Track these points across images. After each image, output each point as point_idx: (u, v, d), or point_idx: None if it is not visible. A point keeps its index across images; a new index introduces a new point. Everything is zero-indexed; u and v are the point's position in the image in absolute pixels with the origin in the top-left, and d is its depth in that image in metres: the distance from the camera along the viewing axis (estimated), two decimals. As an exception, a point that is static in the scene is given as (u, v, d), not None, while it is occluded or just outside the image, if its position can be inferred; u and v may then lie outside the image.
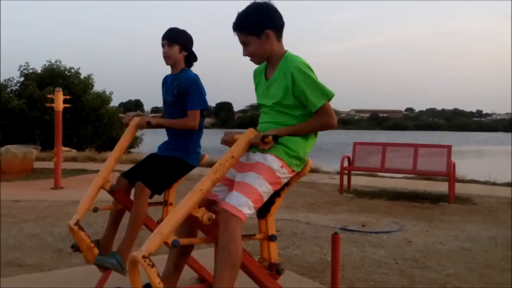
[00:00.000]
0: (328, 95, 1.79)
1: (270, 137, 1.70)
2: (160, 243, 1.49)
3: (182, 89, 2.45)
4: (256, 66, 2.01)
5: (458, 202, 6.01)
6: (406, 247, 3.78)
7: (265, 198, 1.75)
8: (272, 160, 1.76)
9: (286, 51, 1.89)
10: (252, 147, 1.82)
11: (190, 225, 1.82)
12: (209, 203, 1.84)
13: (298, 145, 1.82)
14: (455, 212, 5.40)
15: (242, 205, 1.65)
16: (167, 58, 2.48)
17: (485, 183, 8.08)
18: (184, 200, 1.58)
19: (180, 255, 1.87)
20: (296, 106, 1.83)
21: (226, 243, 1.59)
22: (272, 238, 1.84)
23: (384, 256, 3.49)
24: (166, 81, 2.62)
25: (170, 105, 2.55)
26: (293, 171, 1.83)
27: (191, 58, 2.54)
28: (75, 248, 2.26)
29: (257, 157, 1.79)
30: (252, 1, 1.86)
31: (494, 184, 7.96)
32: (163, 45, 2.48)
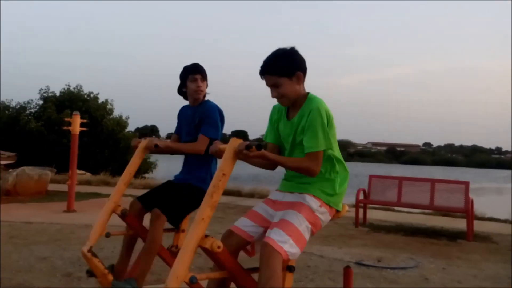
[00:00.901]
0: (323, 146, 1.82)
1: (254, 147, 1.69)
2: (178, 286, 1.49)
3: (204, 115, 2.52)
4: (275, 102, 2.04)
5: (477, 240, 5.79)
6: (423, 284, 3.63)
7: (306, 237, 1.76)
8: (310, 200, 1.82)
9: (308, 92, 1.96)
10: (287, 186, 1.90)
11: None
12: (243, 243, 1.85)
13: (333, 184, 1.88)
14: (474, 250, 5.19)
15: (284, 242, 1.68)
16: (201, 92, 2.58)
17: (505, 221, 7.80)
18: (190, 234, 1.57)
19: None
20: None
21: (268, 278, 1.60)
22: (290, 269, 1.81)
23: (400, 294, 3.35)
24: (186, 113, 2.69)
25: (186, 134, 2.60)
26: (332, 209, 1.87)
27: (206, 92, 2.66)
28: (90, 273, 2.26)
29: (295, 197, 1.85)
30: (277, 48, 1.95)
31: (514, 222, 7.68)
32: (195, 80, 2.55)
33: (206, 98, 2.63)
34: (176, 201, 2.38)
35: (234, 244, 1.82)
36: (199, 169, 2.49)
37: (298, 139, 1.91)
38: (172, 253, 2.49)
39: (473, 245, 5.52)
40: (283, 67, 1.89)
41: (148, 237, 2.31)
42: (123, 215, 2.31)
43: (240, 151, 1.69)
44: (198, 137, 2.47)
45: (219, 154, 1.81)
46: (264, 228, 1.84)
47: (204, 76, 2.57)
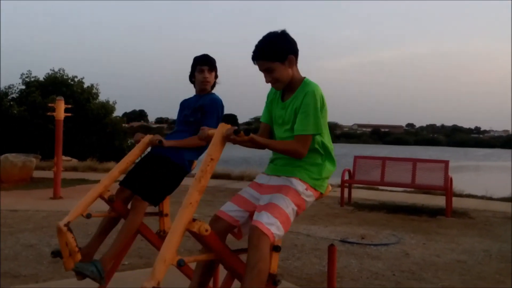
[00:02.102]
0: (312, 131, 1.85)
1: (242, 132, 1.71)
2: (166, 269, 1.50)
3: (206, 105, 2.53)
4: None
5: (455, 216, 6.02)
6: (404, 260, 3.79)
7: (292, 219, 1.81)
8: (297, 183, 1.85)
9: (305, 77, 1.97)
10: (274, 169, 1.93)
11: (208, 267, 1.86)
12: (230, 227, 1.88)
13: (321, 169, 1.92)
14: (452, 225, 5.41)
15: (271, 224, 1.71)
16: (207, 83, 2.59)
17: (482, 197, 8.10)
18: (178, 218, 1.59)
19: (204, 274, 1.88)
20: None
21: (256, 261, 1.63)
22: (276, 249, 1.86)
23: (382, 268, 3.49)
24: (188, 100, 2.69)
25: (184, 119, 2.60)
26: (317, 191, 1.91)
27: (216, 81, 2.67)
28: (55, 254, 2.23)
29: (282, 180, 1.88)
30: (267, 32, 1.94)
31: (490, 198, 7.99)
32: (202, 70, 2.57)
33: (215, 89, 2.66)
34: (155, 182, 2.39)
35: (221, 228, 1.85)
36: (183, 148, 2.50)
37: (288, 122, 1.93)
38: (161, 237, 2.52)
39: (451, 221, 5.74)
40: (275, 51, 1.87)
41: (127, 222, 2.32)
42: (110, 201, 2.32)
43: (228, 136, 1.70)
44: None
45: (208, 139, 1.83)
46: (250, 212, 1.87)
47: (211, 67, 2.58)
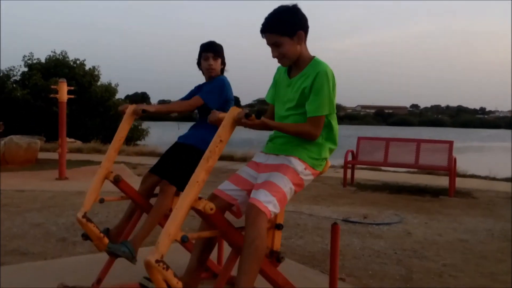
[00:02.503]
0: (327, 111, 1.82)
1: (253, 116, 1.70)
2: (170, 243, 1.52)
3: (215, 89, 2.52)
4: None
5: (458, 196, 6.05)
6: (406, 238, 3.83)
7: (288, 198, 1.81)
8: (296, 163, 1.84)
9: (314, 56, 1.93)
10: (273, 148, 1.91)
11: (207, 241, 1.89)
12: (227, 206, 1.88)
13: (320, 149, 1.89)
14: (455, 205, 5.44)
15: (269, 202, 1.71)
16: (213, 70, 2.57)
17: (485, 178, 8.12)
18: (184, 195, 1.60)
19: (203, 250, 1.90)
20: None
21: (253, 238, 1.64)
22: (278, 227, 1.89)
23: (384, 247, 3.53)
24: (199, 86, 2.70)
25: (186, 97, 2.63)
26: (316, 171, 1.90)
27: (224, 67, 2.65)
28: (86, 237, 2.30)
29: (280, 159, 1.87)
30: (279, 5, 1.89)
31: (494, 179, 8.01)
32: (207, 58, 2.56)
33: (223, 74, 2.64)
34: (180, 168, 2.45)
35: (217, 206, 1.82)
36: (204, 130, 2.51)
37: (292, 100, 1.90)
38: (168, 216, 2.57)
39: (455, 200, 5.76)
40: (284, 25, 1.83)
41: (156, 204, 2.39)
42: (116, 181, 2.34)
43: (239, 119, 1.70)
44: (194, 97, 2.50)
45: (218, 123, 1.82)
46: (247, 191, 1.86)
47: (217, 54, 2.56)
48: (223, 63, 2.62)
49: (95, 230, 2.21)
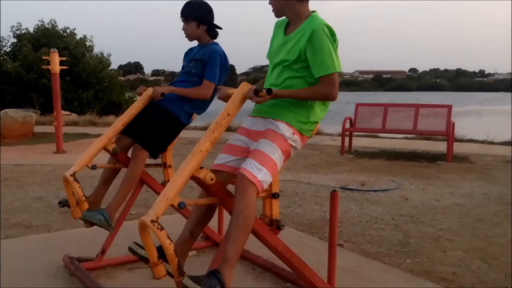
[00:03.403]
0: (337, 68, 1.75)
1: (264, 91, 1.67)
2: (166, 207, 1.52)
3: (206, 57, 2.43)
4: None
5: (456, 161, 6.10)
6: (403, 204, 3.89)
7: (279, 166, 1.78)
8: (284, 128, 1.78)
9: (314, 11, 1.85)
10: (260, 110, 1.85)
11: (204, 211, 1.86)
12: (230, 177, 1.86)
13: (309, 112, 1.82)
14: (452, 170, 5.50)
15: (259, 170, 1.69)
16: (187, 35, 2.47)
17: (483, 142, 8.16)
18: (186, 162, 1.59)
19: (197, 224, 1.85)
20: (307, 68, 1.79)
21: (243, 208, 1.64)
22: (275, 195, 1.89)
23: (381, 213, 3.60)
24: (190, 51, 2.59)
25: (186, 71, 2.52)
26: (304, 137, 1.85)
27: (212, 29, 2.48)
28: (63, 204, 2.27)
29: (268, 123, 1.81)
30: None
31: (491, 143, 8.06)
32: (182, 22, 2.45)
33: (215, 39, 2.51)
34: (153, 131, 2.38)
35: (221, 180, 1.81)
36: (190, 104, 2.47)
37: (287, 57, 1.81)
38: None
39: (452, 165, 5.82)
40: None
41: (128, 170, 2.33)
42: (114, 153, 2.33)
43: (250, 97, 1.68)
44: (203, 82, 2.41)
45: (227, 99, 1.79)
46: (245, 157, 1.82)
47: (187, 17, 2.42)
48: (205, 24, 2.44)
49: (79, 191, 2.15)
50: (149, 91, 2.41)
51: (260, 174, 1.69)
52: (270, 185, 1.86)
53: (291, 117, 1.80)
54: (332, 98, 1.78)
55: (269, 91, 1.68)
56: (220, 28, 2.51)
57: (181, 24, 2.49)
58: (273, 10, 1.90)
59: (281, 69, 1.85)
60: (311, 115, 1.83)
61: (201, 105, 2.51)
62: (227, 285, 1.55)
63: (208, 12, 2.46)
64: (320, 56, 1.74)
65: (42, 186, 4.47)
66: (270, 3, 1.89)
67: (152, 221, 1.47)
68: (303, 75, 1.81)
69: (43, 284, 2.21)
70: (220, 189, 1.74)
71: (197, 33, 2.45)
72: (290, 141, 1.80)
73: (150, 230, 1.48)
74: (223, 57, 2.46)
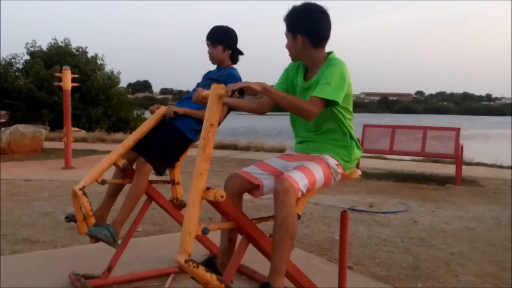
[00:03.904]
0: (329, 96, 1.74)
1: (237, 93, 1.64)
2: (192, 241, 1.54)
3: (222, 78, 2.46)
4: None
5: (465, 184, 6.03)
6: (412, 227, 3.83)
7: (317, 186, 1.81)
8: (329, 158, 1.87)
9: (331, 52, 1.90)
10: (304, 148, 1.93)
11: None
12: (247, 185, 1.89)
13: (351, 152, 1.92)
14: (461, 193, 5.43)
15: (300, 180, 1.73)
16: (212, 58, 2.52)
17: (491, 165, 8.07)
18: (192, 190, 1.59)
19: (232, 230, 1.91)
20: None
21: (284, 218, 1.66)
22: (298, 217, 1.88)
23: (390, 235, 3.54)
24: (209, 73, 2.64)
25: (200, 85, 2.55)
26: (345, 172, 1.92)
27: (236, 54, 2.54)
28: (69, 218, 2.27)
29: (314, 154, 1.89)
30: (311, 2, 1.86)
31: (500, 167, 7.97)
32: (207, 46, 2.51)
33: (235, 64, 2.55)
34: (158, 146, 2.38)
35: (237, 184, 1.88)
36: (197, 121, 2.48)
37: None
38: (174, 204, 2.57)
39: (461, 189, 5.75)
40: (290, 23, 1.85)
41: (132, 184, 2.33)
42: (125, 169, 2.35)
43: (225, 95, 1.64)
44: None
45: (203, 102, 1.79)
46: (275, 176, 1.88)
47: (214, 41, 2.47)
48: (230, 49, 2.50)
49: (87, 206, 2.16)
50: (162, 109, 2.44)
51: (301, 183, 1.73)
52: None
53: (335, 153, 1.89)
54: (309, 116, 1.76)
55: (241, 92, 1.64)
56: (242, 54, 2.56)
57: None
58: (289, 55, 1.93)
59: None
60: (352, 154, 1.92)
61: None
62: None
63: (234, 38, 2.53)
64: (322, 83, 1.77)
65: (50, 202, 4.48)
66: (287, 48, 1.92)
67: (186, 261, 1.50)
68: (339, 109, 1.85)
69: (49, 301, 2.19)
70: (232, 208, 1.73)
71: (222, 57, 2.51)
72: (333, 171, 1.86)
73: (186, 270, 1.51)
74: (237, 78, 2.48)
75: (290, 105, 1.76)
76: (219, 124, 2.52)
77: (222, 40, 2.48)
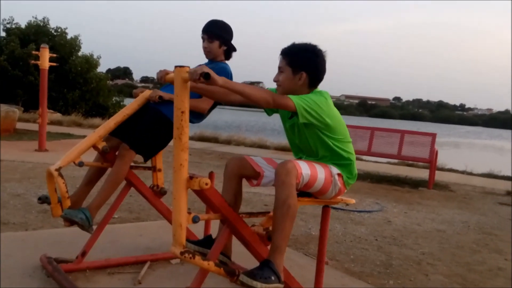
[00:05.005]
0: (295, 99, 1.76)
1: (202, 78, 1.55)
2: (185, 232, 1.55)
3: (214, 72, 2.42)
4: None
5: (437, 188, 6.23)
6: (386, 226, 3.93)
7: (316, 186, 1.83)
8: (333, 167, 1.90)
9: (315, 89, 1.92)
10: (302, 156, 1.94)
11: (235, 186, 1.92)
12: (250, 172, 1.91)
13: (351, 169, 1.95)
14: (433, 197, 5.61)
15: (304, 167, 1.76)
16: (207, 53, 2.47)
17: (462, 172, 8.38)
18: (175, 182, 1.55)
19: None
20: (327, 130, 1.87)
21: (285, 198, 1.69)
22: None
23: (365, 233, 3.62)
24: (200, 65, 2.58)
25: None
26: (344, 187, 1.94)
27: (230, 50, 2.51)
28: (42, 200, 2.20)
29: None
30: (314, 44, 1.91)
31: (470, 174, 8.29)
32: (203, 39, 2.44)
33: (228, 60, 2.51)
34: (144, 133, 2.32)
35: (239, 165, 1.91)
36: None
37: (302, 143, 1.93)
38: (155, 192, 2.53)
39: (433, 192, 5.94)
40: (295, 59, 1.87)
41: (113, 170, 2.27)
42: (104, 152, 2.28)
43: (194, 80, 1.55)
44: (203, 97, 2.37)
45: (167, 82, 1.76)
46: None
47: (211, 37, 2.42)
48: (226, 45, 2.47)
49: (62, 187, 2.07)
50: (147, 93, 2.38)
51: (304, 171, 1.76)
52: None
53: (340, 170, 1.92)
54: (268, 104, 1.76)
55: (206, 76, 1.56)
56: (235, 50, 2.53)
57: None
58: (279, 88, 1.92)
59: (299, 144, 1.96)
60: (352, 169, 1.95)
61: (198, 114, 2.50)
62: (279, 272, 1.65)
63: (230, 34, 2.50)
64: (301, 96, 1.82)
65: (22, 183, 4.33)
66: (277, 81, 1.91)
67: (181, 253, 1.52)
68: (327, 137, 1.87)
69: (19, 284, 2.12)
70: (215, 195, 1.71)
71: (217, 52, 2.47)
72: (333, 179, 1.88)
73: (186, 261, 1.54)
74: (230, 77, 2.43)
75: (252, 96, 1.72)
76: (203, 116, 2.50)
77: (220, 35, 2.44)
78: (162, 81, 1.86)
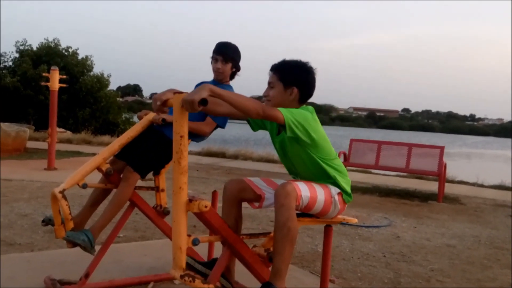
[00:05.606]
0: (283, 111, 1.76)
1: (201, 106, 1.57)
2: (184, 255, 1.56)
3: None
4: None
5: (447, 201, 6.12)
6: (394, 242, 3.87)
7: (316, 208, 1.83)
8: (332, 187, 1.90)
9: (303, 105, 1.94)
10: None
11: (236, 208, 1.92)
12: (250, 195, 1.91)
13: (348, 184, 1.97)
14: (443, 210, 5.51)
15: (303, 191, 1.76)
16: (219, 73, 2.50)
17: (473, 184, 8.23)
18: (174, 206, 1.57)
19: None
20: (315, 149, 1.87)
21: (285, 220, 1.69)
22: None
23: (373, 250, 3.56)
24: (202, 83, 2.62)
25: None
26: (344, 205, 1.95)
27: (236, 72, 2.56)
28: (46, 222, 2.22)
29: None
30: (304, 60, 1.95)
31: (481, 186, 8.13)
32: (215, 60, 2.47)
33: (231, 80, 2.55)
34: (147, 155, 2.36)
35: (239, 188, 1.90)
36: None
37: (295, 161, 1.93)
38: (158, 212, 2.54)
39: (443, 206, 5.84)
40: (287, 74, 1.90)
41: (117, 192, 2.30)
42: (108, 174, 2.31)
43: (192, 109, 1.57)
44: (206, 119, 2.42)
45: (161, 110, 1.78)
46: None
47: (227, 58, 2.46)
48: (236, 67, 2.51)
49: (65, 210, 2.11)
50: (150, 115, 2.42)
51: (304, 192, 1.76)
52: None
53: (336, 185, 1.92)
54: (257, 115, 1.73)
55: (203, 102, 1.57)
56: (239, 71, 2.58)
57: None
58: (268, 103, 1.92)
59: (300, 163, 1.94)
60: (347, 185, 1.96)
61: (198, 135, 2.52)
62: None
63: (240, 57, 2.55)
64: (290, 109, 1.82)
65: (29, 203, 4.37)
66: (266, 95, 1.92)
67: (181, 276, 1.53)
68: (315, 154, 1.87)
69: (22, 306, 2.12)
70: (215, 217, 1.72)
71: (228, 74, 2.51)
72: (333, 200, 1.88)
73: (186, 284, 1.55)
74: None
75: (238, 102, 1.70)
76: (204, 137, 2.52)
77: (233, 58, 2.50)
78: (159, 113, 1.88)
